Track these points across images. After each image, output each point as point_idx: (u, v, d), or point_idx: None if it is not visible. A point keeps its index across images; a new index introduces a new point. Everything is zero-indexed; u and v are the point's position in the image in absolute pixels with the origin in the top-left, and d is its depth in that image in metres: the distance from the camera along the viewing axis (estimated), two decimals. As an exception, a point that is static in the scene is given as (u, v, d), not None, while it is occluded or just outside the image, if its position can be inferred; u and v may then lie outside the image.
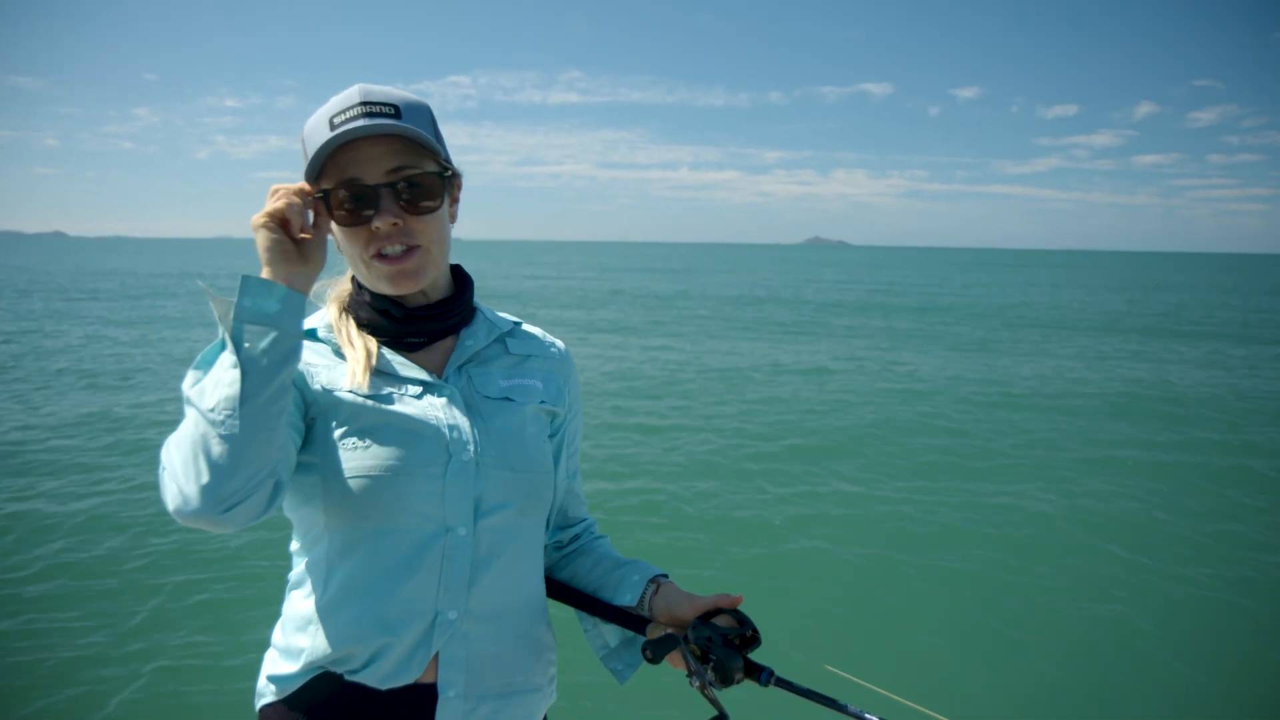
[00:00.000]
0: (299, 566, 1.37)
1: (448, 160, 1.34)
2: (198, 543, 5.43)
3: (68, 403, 10.14)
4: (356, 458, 1.26)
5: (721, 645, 1.29)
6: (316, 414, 1.29)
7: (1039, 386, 11.43)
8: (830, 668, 1.32)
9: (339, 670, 1.28)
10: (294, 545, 1.38)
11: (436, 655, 1.30)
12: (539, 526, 1.44)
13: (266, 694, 1.35)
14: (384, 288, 1.31)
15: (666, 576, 1.48)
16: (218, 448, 1.06)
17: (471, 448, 1.31)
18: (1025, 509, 6.34)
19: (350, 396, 1.29)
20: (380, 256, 1.28)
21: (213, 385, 1.09)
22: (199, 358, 1.15)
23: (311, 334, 1.36)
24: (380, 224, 1.25)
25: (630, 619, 1.43)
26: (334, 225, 1.28)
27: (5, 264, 56.94)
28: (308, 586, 1.34)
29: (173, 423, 1.16)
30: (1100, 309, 28.13)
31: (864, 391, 10.46)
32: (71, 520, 6.12)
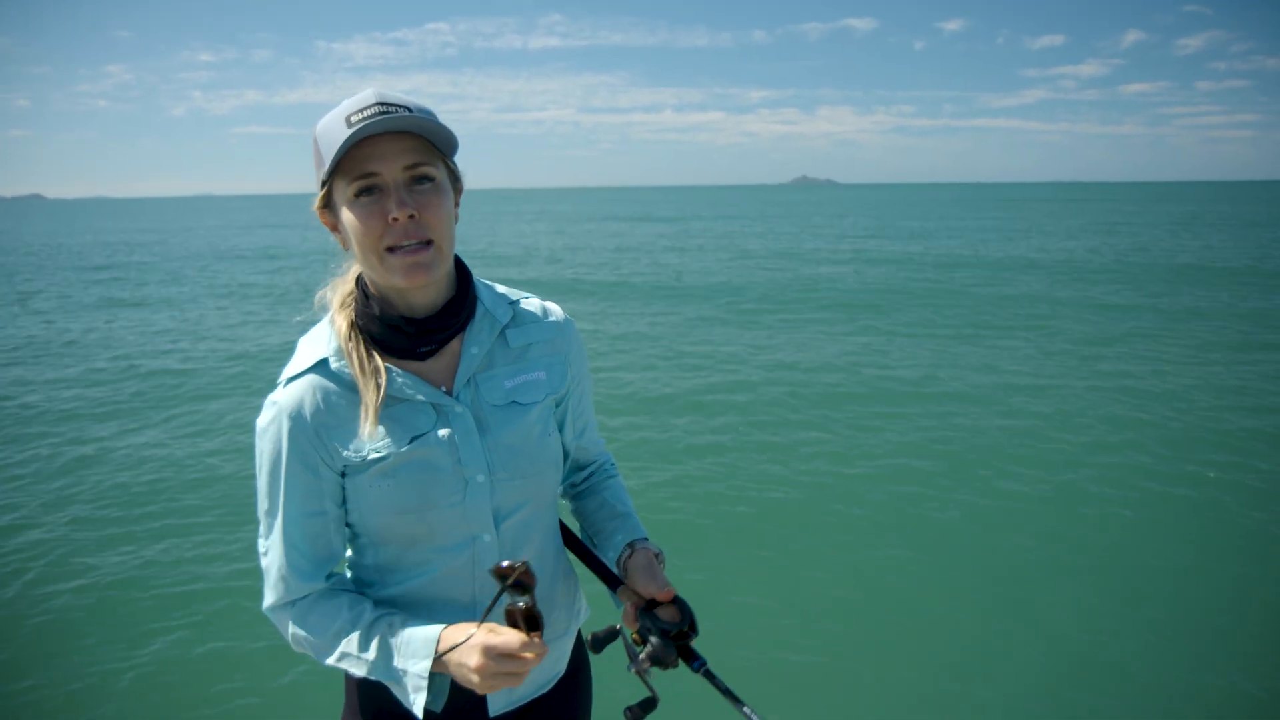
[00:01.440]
0: (355, 558, 1.54)
1: (454, 161, 1.43)
2: (216, 543, 5.42)
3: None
4: (383, 500, 1.40)
5: (660, 635, 1.44)
6: (348, 473, 1.41)
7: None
8: None
9: None
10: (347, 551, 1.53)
11: None
12: (552, 504, 1.61)
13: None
14: (397, 281, 1.35)
15: (646, 540, 1.61)
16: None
17: (485, 470, 1.44)
18: (1028, 508, 5.93)
19: (370, 443, 1.38)
20: (393, 250, 1.33)
21: (354, 665, 1.38)
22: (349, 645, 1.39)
23: (323, 366, 1.41)
24: (398, 215, 1.30)
25: (609, 576, 1.59)
26: (347, 218, 1.34)
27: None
28: (361, 584, 1.53)
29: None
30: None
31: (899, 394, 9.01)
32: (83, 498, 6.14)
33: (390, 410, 1.39)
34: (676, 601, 1.48)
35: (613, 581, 1.57)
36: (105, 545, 5.44)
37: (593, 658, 1.72)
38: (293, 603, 1.42)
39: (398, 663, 1.34)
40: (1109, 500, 5.94)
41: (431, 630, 1.33)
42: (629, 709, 1.42)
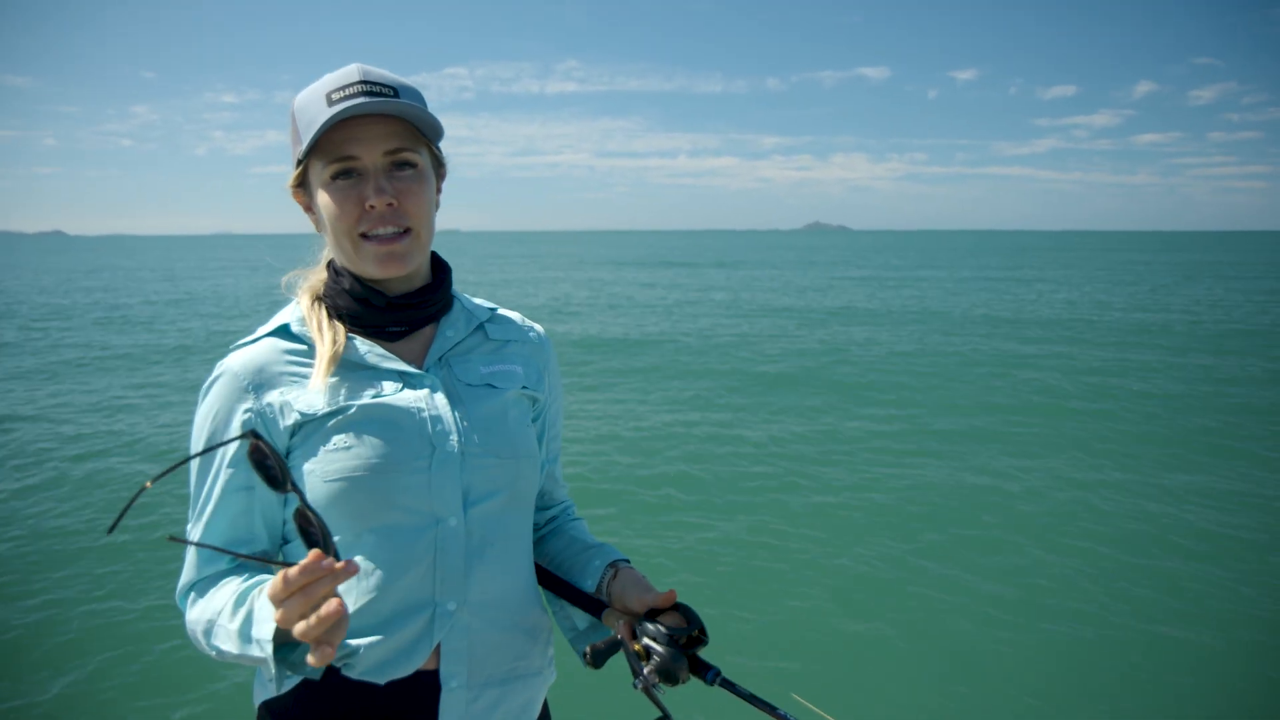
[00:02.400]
0: (294, 559, 1.33)
1: (438, 147, 1.35)
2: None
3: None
4: (339, 460, 1.24)
5: (667, 643, 1.25)
6: (296, 441, 1.27)
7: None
8: (796, 697, 1.29)
9: (338, 666, 1.26)
10: (285, 545, 1.35)
11: (438, 646, 1.30)
12: (528, 513, 1.44)
13: (267, 690, 1.33)
14: (370, 269, 1.29)
15: (627, 562, 1.46)
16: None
17: (455, 437, 1.30)
18: (1033, 507, 6.23)
19: (328, 401, 1.26)
20: (369, 237, 1.27)
21: (225, 639, 1.17)
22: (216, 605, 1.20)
23: (284, 330, 1.32)
24: (376, 202, 1.24)
25: (591, 603, 1.41)
26: (322, 201, 1.27)
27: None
28: None
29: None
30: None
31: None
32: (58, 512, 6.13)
33: (352, 374, 1.29)
34: (679, 607, 1.30)
35: (595, 607, 1.40)
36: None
37: (592, 674, 1.51)
38: (197, 582, 1.27)
39: (255, 631, 1.11)
40: (1130, 506, 6.21)
41: None
42: None
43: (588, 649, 1.33)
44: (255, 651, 1.11)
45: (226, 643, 1.16)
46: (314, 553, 0.94)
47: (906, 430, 8.57)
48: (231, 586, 1.20)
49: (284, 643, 1.10)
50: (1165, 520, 5.99)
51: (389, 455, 1.25)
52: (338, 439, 1.25)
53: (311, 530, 0.96)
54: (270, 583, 0.97)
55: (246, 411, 1.25)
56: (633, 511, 6.38)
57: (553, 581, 1.48)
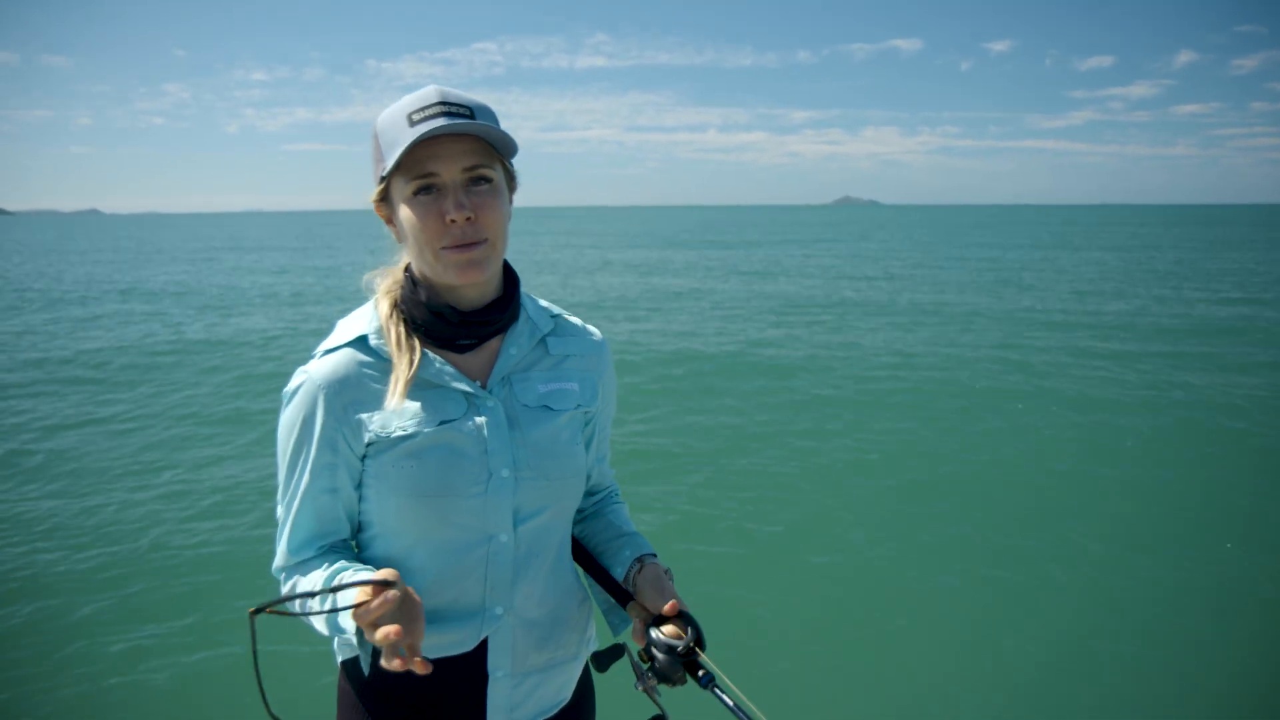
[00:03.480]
0: (364, 552, 1.48)
1: (510, 162, 1.43)
2: (232, 543, 5.55)
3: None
4: (404, 480, 1.36)
5: (666, 651, 1.40)
6: (371, 452, 1.38)
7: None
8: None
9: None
10: (358, 534, 1.48)
11: (486, 638, 1.45)
12: (571, 517, 1.57)
13: (343, 651, 1.52)
14: (451, 278, 1.35)
15: (655, 556, 1.58)
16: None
17: (510, 465, 1.40)
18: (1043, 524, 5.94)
19: (399, 423, 1.36)
20: (449, 248, 1.33)
21: (319, 623, 1.31)
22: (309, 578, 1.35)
23: (362, 342, 1.40)
24: (456, 217, 1.30)
25: (619, 593, 1.55)
26: (404, 216, 1.34)
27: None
28: None
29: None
30: None
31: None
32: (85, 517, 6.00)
33: (422, 393, 1.38)
34: (683, 616, 1.44)
35: (622, 597, 1.54)
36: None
37: (599, 677, 1.66)
38: (289, 567, 1.42)
39: (343, 623, 1.26)
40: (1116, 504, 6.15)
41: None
42: None
43: (594, 655, 1.56)
44: (347, 639, 1.36)
45: (320, 626, 1.32)
46: (366, 590, 1.13)
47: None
48: (317, 576, 1.34)
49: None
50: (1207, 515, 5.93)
51: (448, 481, 1.36)
52: (404, 462, 1.35)
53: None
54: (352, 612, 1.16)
55: (328, 425, 1.36)
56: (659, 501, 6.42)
57: (588, 562, 1.62)
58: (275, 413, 1.43)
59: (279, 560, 1.43)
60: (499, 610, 1.43)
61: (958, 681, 4.07)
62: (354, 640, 1.22)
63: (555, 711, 1.56)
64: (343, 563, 1.35)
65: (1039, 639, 4.41)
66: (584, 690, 1.65)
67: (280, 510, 1.42)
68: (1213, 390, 9.75)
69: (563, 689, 1.57)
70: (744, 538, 5.76)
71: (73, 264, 33.29)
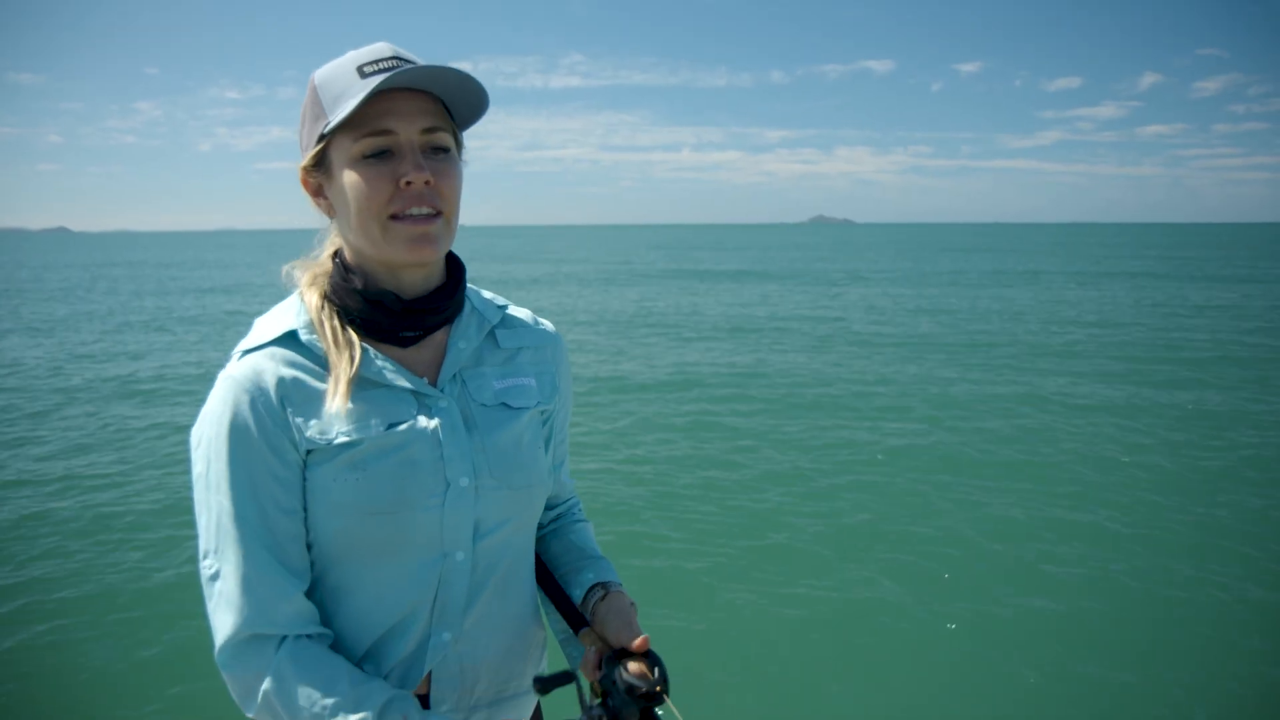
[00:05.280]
0: None
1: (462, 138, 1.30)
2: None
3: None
4: (349, 492, 1.18)
5: (623, 694, 1.22)
6: (310, 462, 1.20)
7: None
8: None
9: None
10: None
11: (430, 672, 1.29)
12: (533, 532, 1.42)
13: None
14: (400, 253, 1.20)
15: (619, 586, 1.42)
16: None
17: (470, 473, 1.25)
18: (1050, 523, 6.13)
19: (340, 428, 1.18)
20: (399, 218, 1.18)
21: None
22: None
23: (291, 338, 1.22)
24: (414, 178, 1.16)
25: (573, 616, 1.39)
26: (349, 180, 1.18)
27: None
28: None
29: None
30: None
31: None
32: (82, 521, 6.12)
33: (366, 394, 1.21)
34: (650, 656, 1.26)
35: (577, 621, 1.37)
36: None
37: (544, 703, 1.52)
38: (271, 638, 1.14)
39: None
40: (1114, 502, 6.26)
41: None
42: None
43: (536, 678, 1.31)
44: None
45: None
46: None
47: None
48: (344, 690, 1.12)
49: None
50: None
51: (401, 494, 1.20)
52: (347, 474, 1.18)
53: None
54: None
55: (267, 429, 1.16)
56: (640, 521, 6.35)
57: (548, 582, 1.45)
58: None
59: (236, 621, 1.11)
60: (446, 636, 1.27)
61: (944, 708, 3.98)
62: None
63: None
64: (376, 686, 1.14)
65: (1031, 665, 4.31)
66: None
67: (212, 563, 1.14)
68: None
69: None
70: (704, 561, 5.58)
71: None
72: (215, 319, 19.01)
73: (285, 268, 1.32)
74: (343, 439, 1.18)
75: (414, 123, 1.17)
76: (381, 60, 1.16)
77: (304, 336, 1.23)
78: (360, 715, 1.10)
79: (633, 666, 1.24)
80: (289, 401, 1.18)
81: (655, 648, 1.28)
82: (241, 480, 1.14)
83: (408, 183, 1.16)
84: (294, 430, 1.17)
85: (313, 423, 1.18)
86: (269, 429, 1.16)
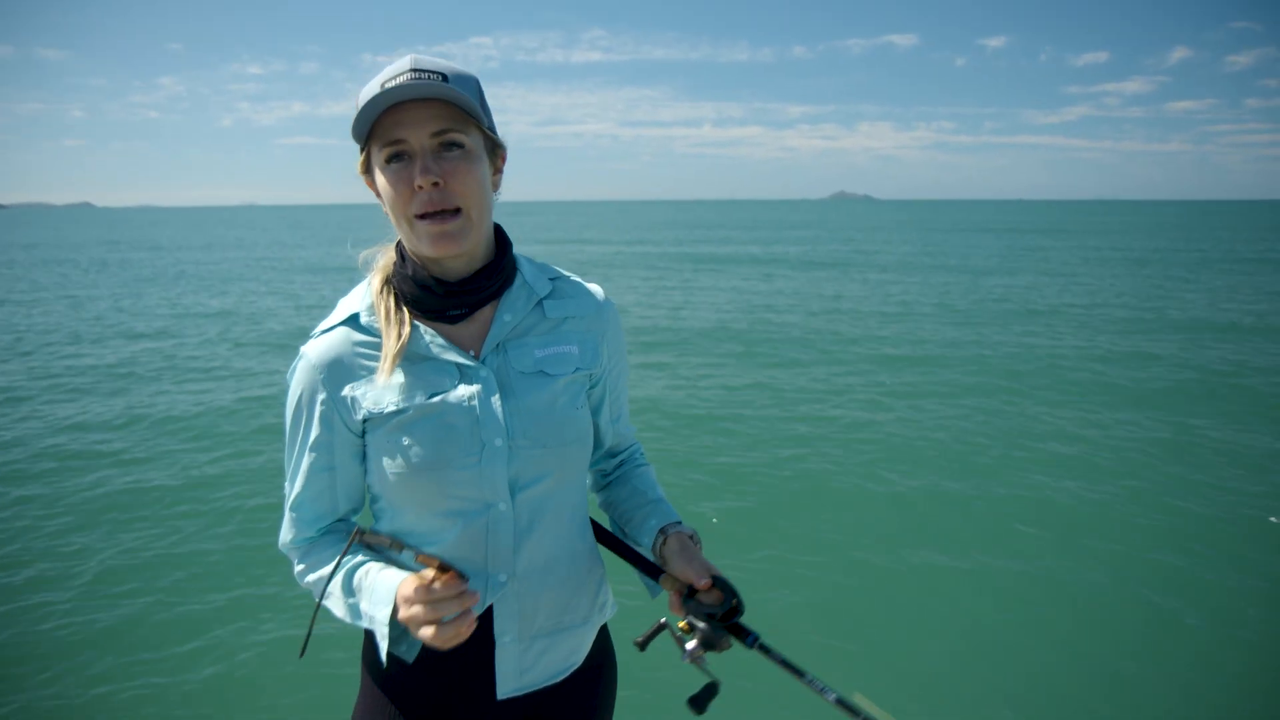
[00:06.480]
0: (377, 522, 1.53)
1: (492, 129, 1.38)
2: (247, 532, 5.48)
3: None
4: (399, 455, 1.36)
5: (706, 619, 1.40)
6: (368, 428, 1.40)
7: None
8: (859, 697, 1.33)
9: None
10: (372, 505, 1.54)
11: (491, 606, 1.46)
12: (579, 483, 1.53)
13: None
14: (425, 249, 1.33)
15: (678, 525, 1.56)
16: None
17: (504, 434, 1.38)
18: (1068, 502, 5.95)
19: (391, 399, 1.36)
20: (423, 217, 1.31)
21: (335, 607, 1.42)
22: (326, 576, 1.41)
23: (354, 320, 1.41)
24: (422, 182, 1.27)
25: (649, 568, 1.54)
26: (380, 184, 1.33)
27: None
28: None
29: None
30: None
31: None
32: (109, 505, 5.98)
33: (414, 367, 1.37)
34: (718, 581, 1.43)
35: (653, 571, 1.52)
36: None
37: (641, 654, 1.60)
38: (295, 544, 1.47)
39: (365, 607, 1.36)
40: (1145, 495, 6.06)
41: (394, 577, 1.34)
42: (692, 700, 1.40)
43: (637, 641, 1.52)
44: (365, 624, 1.38)
45: (337, 609, 1.40)
46: (452, 575, 1.27)
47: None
48: (332, 555, 1.43)
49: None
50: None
51: (442, 453, 1.36)
52: (397, 436, 1.36)
53: (445, 565, 1.29)
54: (407, 581, 1.29)
55: (323, 404, 1.39)
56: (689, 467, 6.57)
57: (614, 543, 1.60)
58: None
59: (284, 536, 1.49)
60: (502, 578, 1.43)
61: (997, 648, 4.07)
62: (383, 630, 1.33)
63: (567, 674, 1.55)
64: (361, 558, 1.41)
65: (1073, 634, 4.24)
66: (603, 657, 1.64)
67: (286, 486, 1.47)
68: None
69: (574, 653, 1.55)
70: (772, 498, 5.93)
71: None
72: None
73: (362, 255, 1.49)
74: (391, 408, 1.36)
75: (423, 129, 1.28)
76: (400, 74, 1.28)
77: (364, 318, 1.40)
78: (341, 574, 1.41)
79: (705, 597, 1.43)
80: (349, 378, 1.38)
81: (727, 574, 1.45)
82: (298, 443, 1.43)
83: (419, 186, 1.28)
84: (351, 403, 1.38)
85: (369, 394, 1.37)
86: (323, 402, 1.39)
